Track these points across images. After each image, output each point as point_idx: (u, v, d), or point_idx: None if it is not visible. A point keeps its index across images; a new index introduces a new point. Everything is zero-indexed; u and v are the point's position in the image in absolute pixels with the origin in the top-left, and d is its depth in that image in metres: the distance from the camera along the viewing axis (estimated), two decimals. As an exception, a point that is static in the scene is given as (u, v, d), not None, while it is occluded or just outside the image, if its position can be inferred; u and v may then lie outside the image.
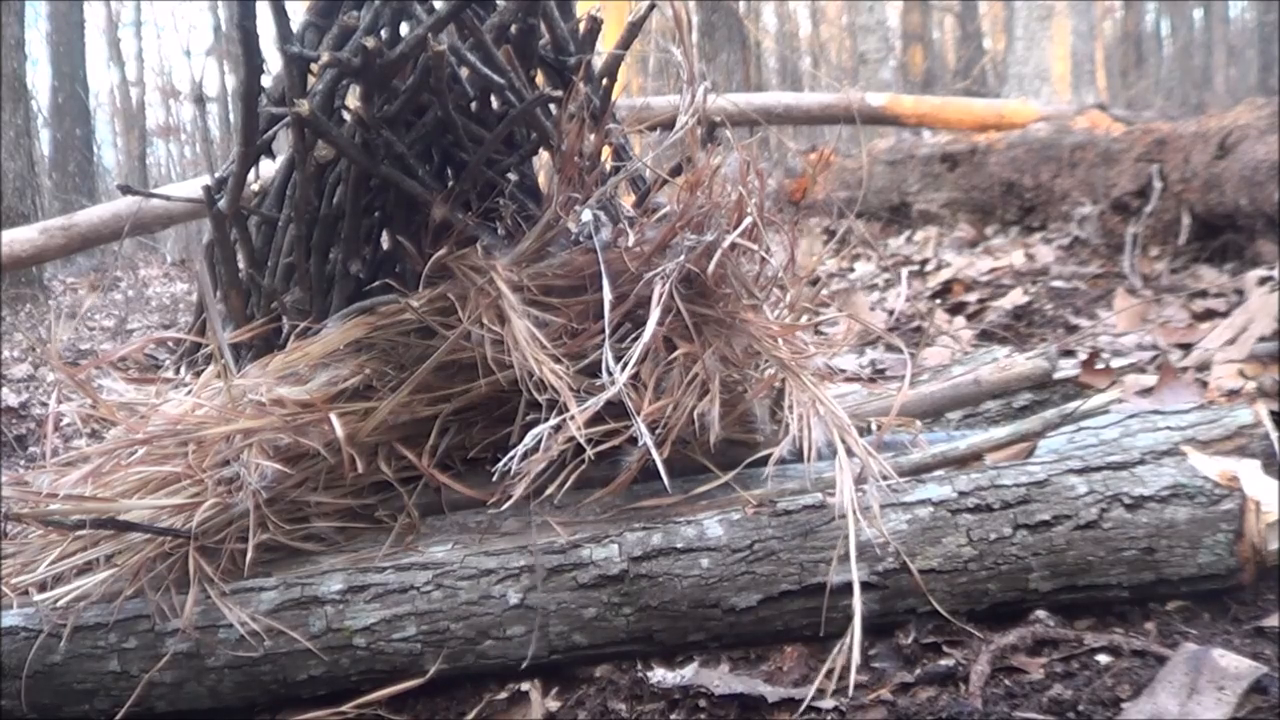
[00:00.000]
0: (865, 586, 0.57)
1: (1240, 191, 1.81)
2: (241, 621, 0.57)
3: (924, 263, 2.52)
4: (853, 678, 0.53)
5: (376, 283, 0.73)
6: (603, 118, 0.68)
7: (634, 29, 0.72)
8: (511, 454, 0.49)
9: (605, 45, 0.74)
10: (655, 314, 0.59)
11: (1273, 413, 0.71)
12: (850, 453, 0.59)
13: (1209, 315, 1.51)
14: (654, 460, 0.60)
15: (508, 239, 0.68)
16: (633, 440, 0.57)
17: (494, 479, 0.53)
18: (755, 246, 0.65)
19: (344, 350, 0.69)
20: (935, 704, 0.53)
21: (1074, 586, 0.59)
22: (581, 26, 0.73)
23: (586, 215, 0.64)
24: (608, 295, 0.59)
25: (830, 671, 0.53)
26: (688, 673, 0.57)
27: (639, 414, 0.59)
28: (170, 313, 3.21)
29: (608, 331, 0.58)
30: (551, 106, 0.69)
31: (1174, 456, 0.62)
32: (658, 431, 0.60)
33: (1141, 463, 0.61)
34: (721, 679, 0.56)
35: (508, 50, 0.69)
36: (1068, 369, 0.97)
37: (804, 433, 0.62)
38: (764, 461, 0.64)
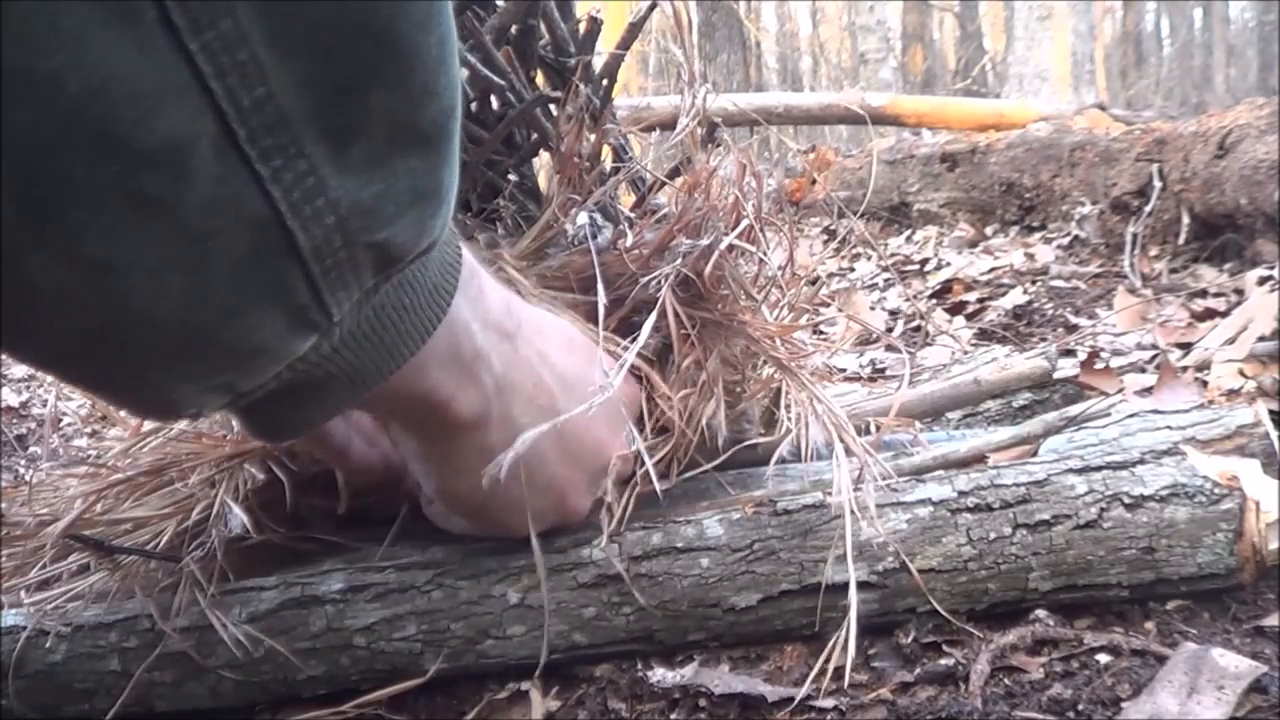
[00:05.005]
0: (865, 586, 0.57)
1: (1240, 191, 1.82)
2: (234, 639, 0.57)
3: (924, 262, 2.52)
4: (848, 675, 0.53)
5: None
6: (602, 118, 0.68)
7: (634, 29, 0.72)
8: (504, 455, 0.49)
9: (605, 45, 0.74)
10: (652, 318, 0.59)
11: (1273, 412, 0.71)
12: (849, 452, 0.59)
13: (1209, 315, 1.51)
14: (670, 463, 0.60)
15: (508, 239, 0.68)
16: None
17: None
18: (752, 248, 0.65)
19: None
20: (935, 703, 0.53)
21: (1074, 586, 0.59)
22: (582, 27, 0.73)
23: (583, 218, 0.64)
24: (602, 299, 0.59)
25: (826, 669, 0.53)
26: (688, 672, 0.57)
27: (665, 420, 0.59)
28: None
29: (601, 336, 0.58)
30: (551, 107, 0.69)
31: (1174, 456, 0.62)
32: (658, 444, 0.60)
33: (1141, 462, 0.61)
34: (721, 678, 0.56)
35: (507, 51, 0.69)
36: (1068, 369, 0.97)
37: (802, 432, 0.62)
38: (763, 461, 0.64)
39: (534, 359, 0.53)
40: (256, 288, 0.34)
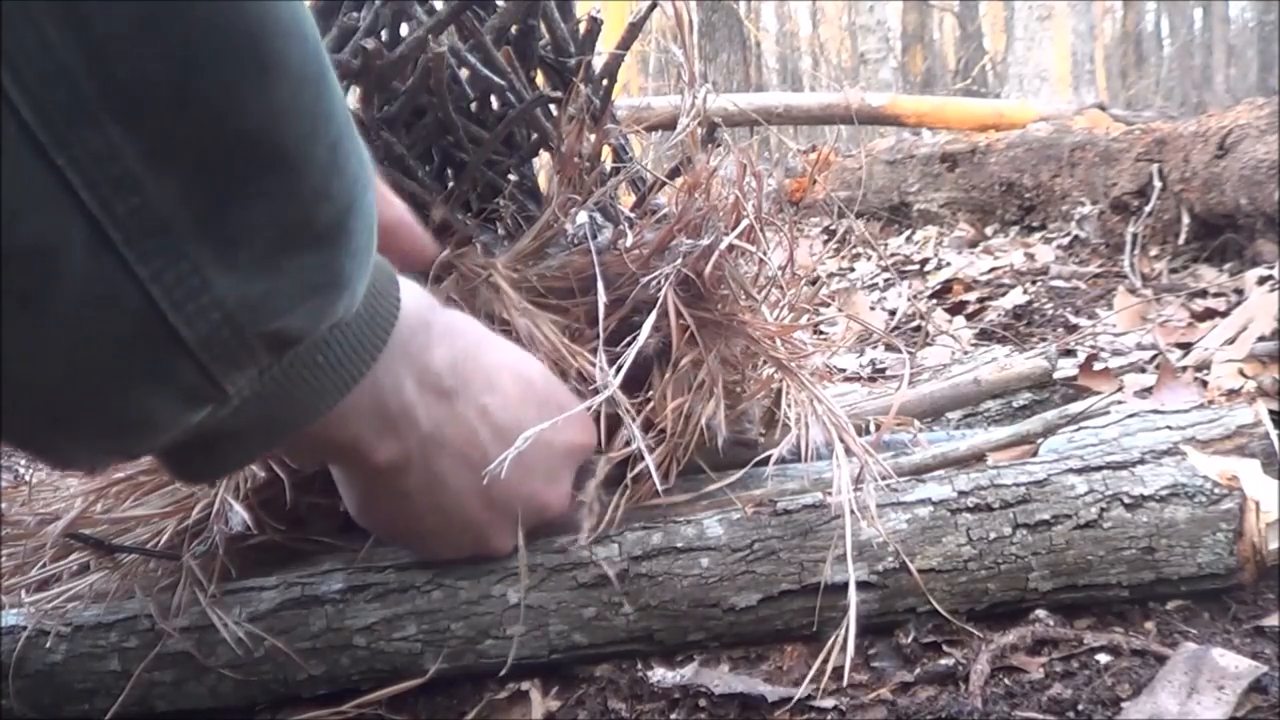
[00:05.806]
0: (865, 586, 0.57)
1: (1240, 191, 1.82)
2: (236, 637, 0.57)
3: (924, 262, 2.52)
4: (848, 674, 0.53)
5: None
6: (602, 118, 0.69)
7: (634, 29, 0.72)
8: (504, 456, 0.49)
9: (605, 45, 0.74)
10: (652, 318, 0.59)
11: (1273, 412, 0.71)
12: (849, 451, 0.59)
13: (1209, 315, 1.51)
14: (669, 464, 0.60)
15: (508, 240, 0.68)
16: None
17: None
18: (752, 248, 0.66)
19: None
20: (935, 703, 0.53)
21: (1074, 586, 0.59)
22: (582, 27, 0.73)
23: (583, 218, 0.64)
24: (601, 299, 0.59)
25: (825, 669, 0.53)
26: (688, 672, 0.57)
27: (645, 419, 0.59)
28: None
29: (601, 336, 0.58)
30: (551, 107, 0.69)
31: (1174, 456, 0.62)
32: (652, 435, 0.60)
33: (1141, 462, 0.61)
34: (721, 678, 0.56)
35: (507, 51, 0.69)
36: (1068, 369, 0.97)
37: (802, 432, 0.62)
38: (763, 461, 0.64)
39: (472, 417, 0.53)
40: (141, 371, 0.35)
